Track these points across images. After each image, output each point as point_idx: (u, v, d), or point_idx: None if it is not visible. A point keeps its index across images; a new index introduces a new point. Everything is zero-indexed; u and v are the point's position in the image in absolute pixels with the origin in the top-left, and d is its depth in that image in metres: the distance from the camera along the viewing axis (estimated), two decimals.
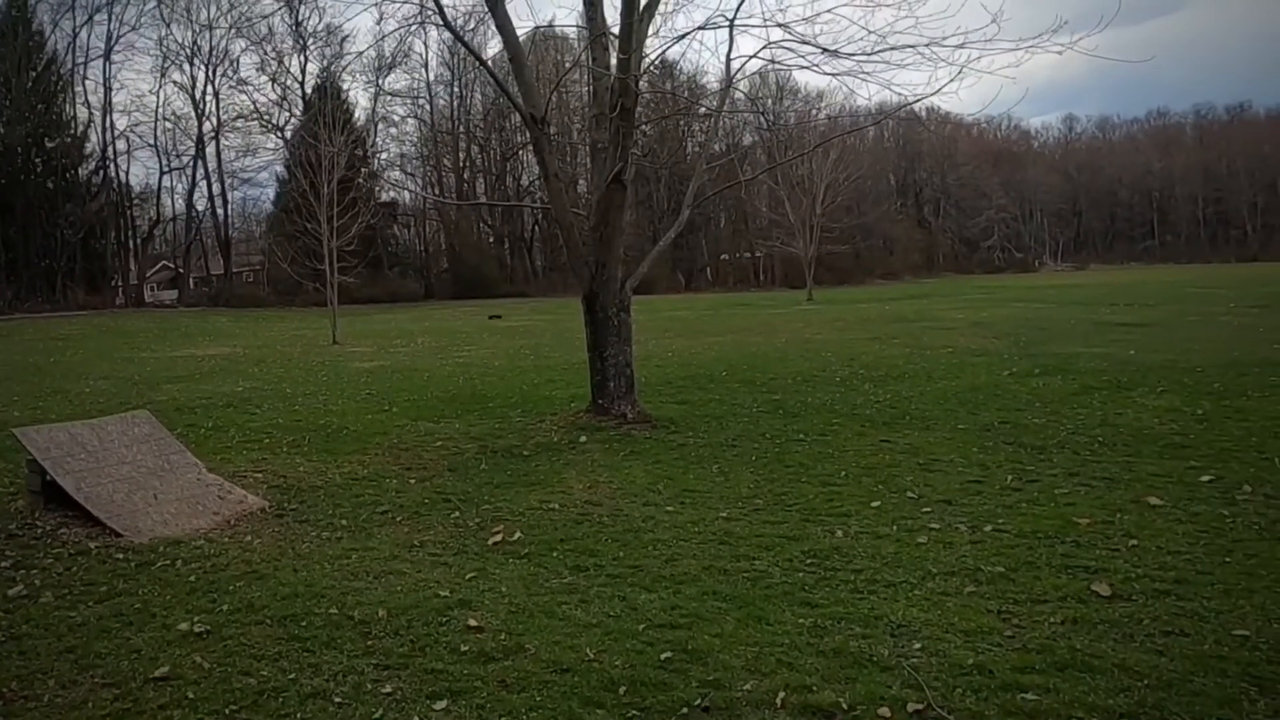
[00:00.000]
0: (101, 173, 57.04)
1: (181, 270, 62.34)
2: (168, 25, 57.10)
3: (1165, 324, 22.64)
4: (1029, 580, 5.54)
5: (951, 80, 10.68)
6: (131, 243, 60.43)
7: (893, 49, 10.32)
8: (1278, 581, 5.32)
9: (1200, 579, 5.44)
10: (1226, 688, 4.08)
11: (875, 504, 7.45)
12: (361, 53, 59.45)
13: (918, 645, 4.66)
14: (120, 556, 6.44)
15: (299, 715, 4.11)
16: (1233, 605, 5.01)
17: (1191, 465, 8.25)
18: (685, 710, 4.06)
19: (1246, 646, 4.49)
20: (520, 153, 66.68)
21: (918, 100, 12.15)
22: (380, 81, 63.84)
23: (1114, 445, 9.25)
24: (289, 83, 60.67)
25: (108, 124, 56.61)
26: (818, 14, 13.84)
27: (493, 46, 46.98)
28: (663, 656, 4.61)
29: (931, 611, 5.11)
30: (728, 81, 12.59)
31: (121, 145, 58.16)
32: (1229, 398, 11.54)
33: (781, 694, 4.15)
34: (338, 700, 4.25)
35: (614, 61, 11.22)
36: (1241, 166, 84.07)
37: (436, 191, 66.59)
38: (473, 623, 5.13)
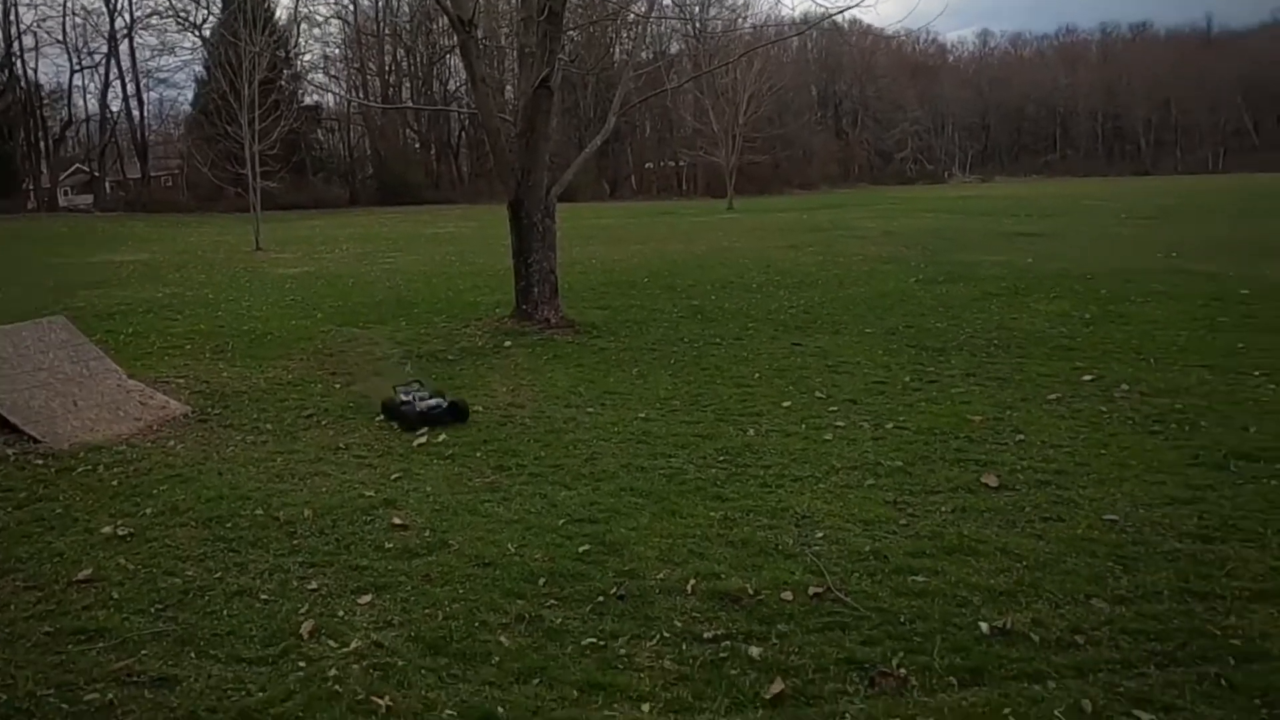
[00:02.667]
0: (7, 70, 53.33)
1: (96, 174, 59.19)
2: None
3: (1061, 234, 23.23)
4: (924, 473, 5.75)
5: None
6: (42, 144, 56.98)
7: None
8: (1146, 470, 5.62)
9: (1078, 470, 5.72)
10: (1095, 566, 4.33)
11: (786, 404, 7.61)
12: None
13: (820, 534, 4.82)
14: (40, 463, 6.26)
15: (225, 612, 4.10)
16: (1105, 493, 5.28)
17: (1076, 366, 8.58)
18: (601, 599, 4.16)
19: (1115, 530, 4.75)
20: (447, 57, 64.15)
21: (840, 11, 12.03)
22: None
23: (1008, 347, 9.55)
24: None
25: (13, 18, 52.80)
26: None
27: None
28: (581, 549, 4.70)
29: (834, 503, 5.28)
30: None
31: (29, 41, 54.37)
32: (1114, 303, 11.98)
33: (692, 581, 4.27)
34: (264, 597, 4.25)
35: None
36: (1139, 85, 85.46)
37: (361, 95, 64.01)
38: (397, 521, 5.14)
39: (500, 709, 3.30)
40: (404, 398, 7.33)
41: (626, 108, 19.07)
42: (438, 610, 4.10)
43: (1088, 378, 8.08)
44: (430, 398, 7.30)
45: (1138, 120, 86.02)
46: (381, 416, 7.38)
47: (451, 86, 66.53)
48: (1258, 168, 69.92)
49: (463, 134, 68.57)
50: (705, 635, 3.78)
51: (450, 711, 3.31)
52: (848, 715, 3.19)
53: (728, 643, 3.72)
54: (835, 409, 7.39)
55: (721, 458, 6.22)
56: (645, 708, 3.28)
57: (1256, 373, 8.02)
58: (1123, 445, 6.18)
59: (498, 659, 3.66)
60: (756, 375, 8.72)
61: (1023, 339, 9.93)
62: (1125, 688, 3.32)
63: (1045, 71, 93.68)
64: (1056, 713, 3.17)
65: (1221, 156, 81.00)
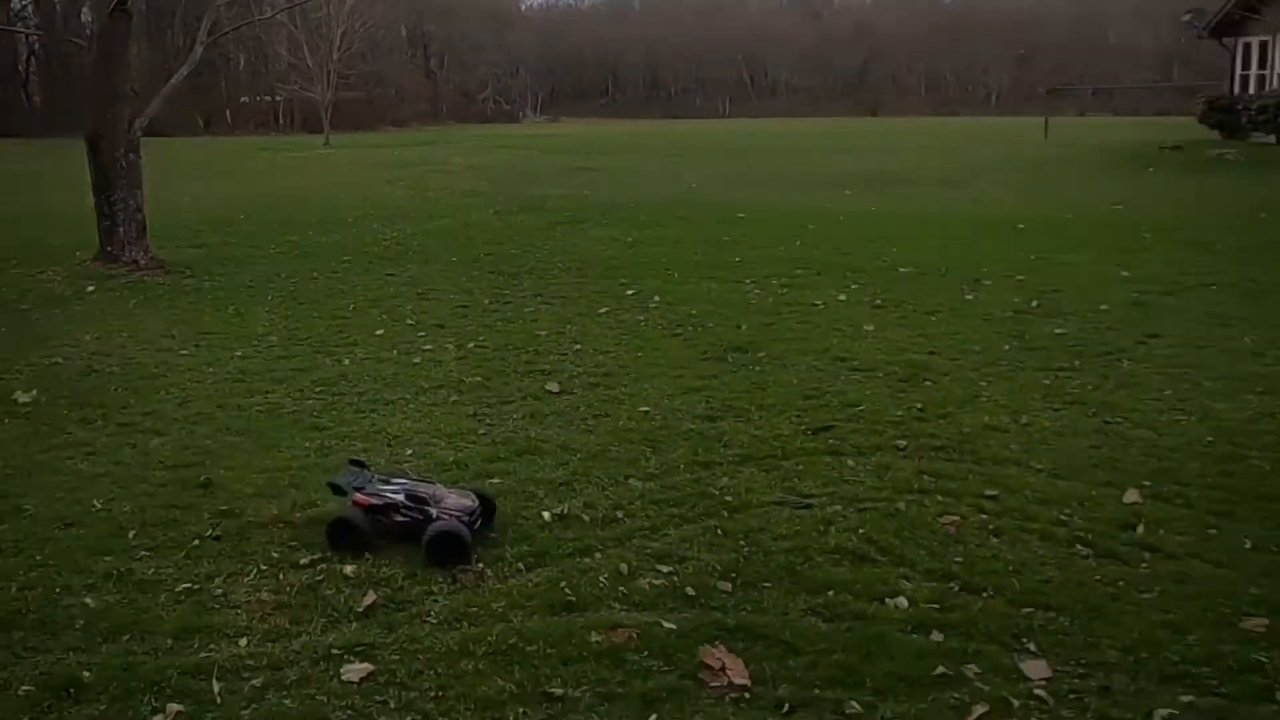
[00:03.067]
0: None
1: None
2: None
3: (612, 170, 24.66)
4: (500, 386, 5.92)
5: None
6: None
7: None
8: (670, 367, 6.28)
9: (621, 371, 6.23)
10: (633, 451, 4.74)
11: (380, 332, 7.38)
12: None
13: (410, 450, 4.79)
14: None
15: None
16: (641, 389, 5.81)
17: (622, 282, 9.24)
18: (197, 542, 3.79)
19: (648, 419, 5.25)
20: None
21: None
22: None
23: (569, 269, 10.05)
24: None
25: None
26: None
27: None
28: (175, 495, 4.22)
29: (422, 421, 5.26)
30: None
31: None
32: (650, 228, 13.05)
33: (291, 512, 4.04)
34: None
35: None
36: (672, 38, 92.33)
37: None
38: None
39: (86, 673, 2.89)
40: (370, 498, 3.72)
41: (216, 36, 16.73)
42: (10, 582, 3.47)
43: (630, 292, 8.77)
44: (439, 496, 3.72)
45: (669, 71, 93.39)
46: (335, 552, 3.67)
47: (16, 4, 53.29)
48: (754, 114, 79.98)
49: (32, 59, 55.56)
50: (302, 562, 3.61)
51: (28, 687, 2.83)
52: (433, 613, 3.24)
53: (323, 565, 3.58)
54: (424, 334, 7.31)
55: (318, 389, 5.90)
56: (243, 642, 3.07)
57: (748, 281, 9.24)
58: (655, 347, 6.83)
59: (83, 622, 3.20)
60: (352, 307, 8.33)
61: (580, 261, 10.49)
62: (652, 548, 3.70)
63: (599, 25, 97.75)
64: (601, 579, 3.47)
65: (729, 104, 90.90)
